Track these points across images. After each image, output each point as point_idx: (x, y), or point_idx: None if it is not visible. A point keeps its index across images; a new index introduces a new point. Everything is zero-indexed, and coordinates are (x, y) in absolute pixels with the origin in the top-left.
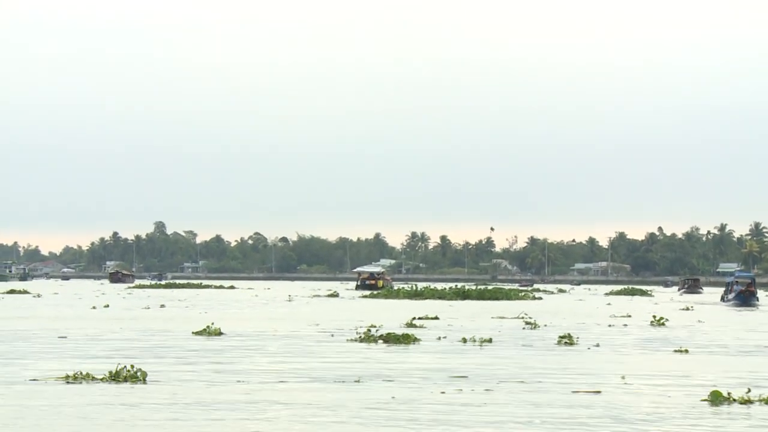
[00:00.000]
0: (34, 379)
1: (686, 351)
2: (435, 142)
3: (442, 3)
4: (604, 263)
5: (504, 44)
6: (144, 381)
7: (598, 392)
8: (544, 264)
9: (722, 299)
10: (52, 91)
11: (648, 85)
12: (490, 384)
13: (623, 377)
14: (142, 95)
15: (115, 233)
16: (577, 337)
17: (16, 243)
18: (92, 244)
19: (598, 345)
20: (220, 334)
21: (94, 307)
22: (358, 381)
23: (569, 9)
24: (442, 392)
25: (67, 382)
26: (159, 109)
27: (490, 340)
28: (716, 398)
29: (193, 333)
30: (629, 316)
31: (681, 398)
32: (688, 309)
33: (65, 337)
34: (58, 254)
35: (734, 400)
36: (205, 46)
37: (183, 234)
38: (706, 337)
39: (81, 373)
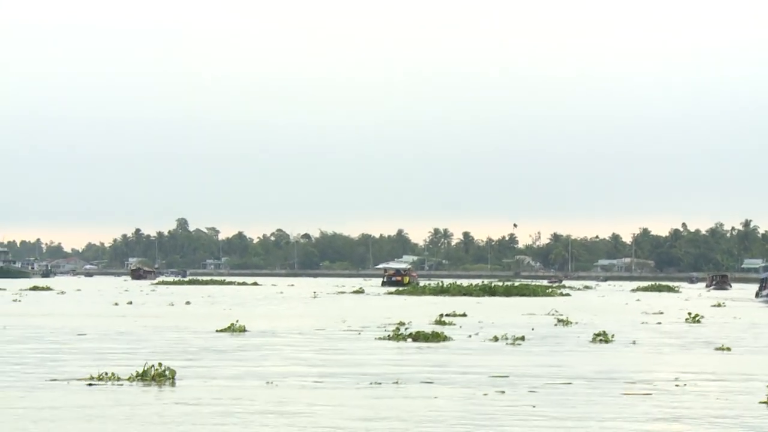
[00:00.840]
0: (53, 380)
1: (728, 349)
2: (457, 139)
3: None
4: (627, 259)
5: (525, 41)
6: (173, 381)
7: (649, 394)
8: (568, 260)
9: (757, 295)
10: (74, 90)
11: (672, 81)
12: (533, 385)
13: (676, 378)
14: (165, 94)
15: (138, 230)
16: (613, 335)
17: (38, 240)
18: (115, 240)
19: (634, 342)
20: (245, 331)
21: (116, 304)
22: (397, 383)
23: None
24: (485, 394)
25: (89, 384)
26: (181, 108)
27: (522, 338)
28: None
29: (217, 330)
30: (661, 312)
31: (738, 400)
32: (720, 305)
33: (84, 335)
34: (80, 251)
35: None
36: (227, 48)
37: (205, 230)
38: (746, 334)
39: (106, 373)
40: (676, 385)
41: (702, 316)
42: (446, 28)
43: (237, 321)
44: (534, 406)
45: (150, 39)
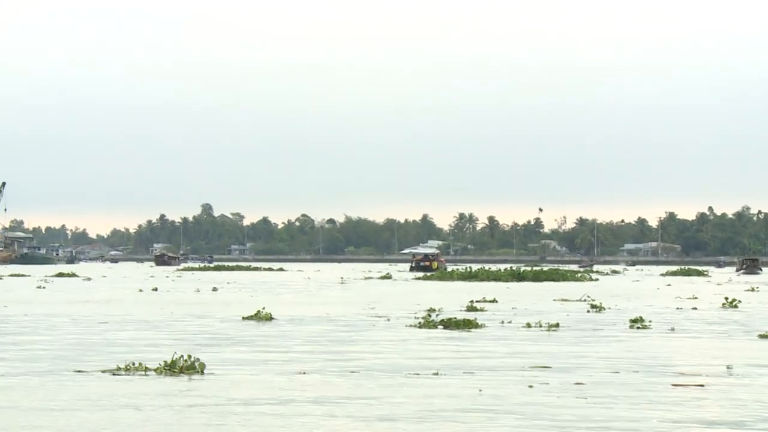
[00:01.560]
0: (79, 371)
1: None
2: (482, 124)
3: None
4: (654, 244)
5: (549, 26)
6: (202, 373)
7: (702, 386)
8: (594, 245)
9: None
10: (100, 76)
11: (696, 63)
12: (578, 376)
13: (727, 367)
14: (189, 81)
15: (162, 216)
16: (650, 321)
17: (63, 226)
18: (139, 226)
19: (673, 329)
20: (271, 319)
21: (141, 291)
22: (437, 374)
23: None
24: (530, 386)
25: (114, 374)
26: (204, 94)
27: (557, 325)
28: None
29: (243, 318)
30: (695, 297)
31: None
32: (753, 290)
33: (110, 323)
34: (105, 237)
35: None
36: (251, 35)
37: (230, 216)
38: None
39: (133, 363)
40: (730, 375)
41: (739, 302)
42: (470, 10)
43: (263, 308)
44: (586, 398)
45: (173, 24)
